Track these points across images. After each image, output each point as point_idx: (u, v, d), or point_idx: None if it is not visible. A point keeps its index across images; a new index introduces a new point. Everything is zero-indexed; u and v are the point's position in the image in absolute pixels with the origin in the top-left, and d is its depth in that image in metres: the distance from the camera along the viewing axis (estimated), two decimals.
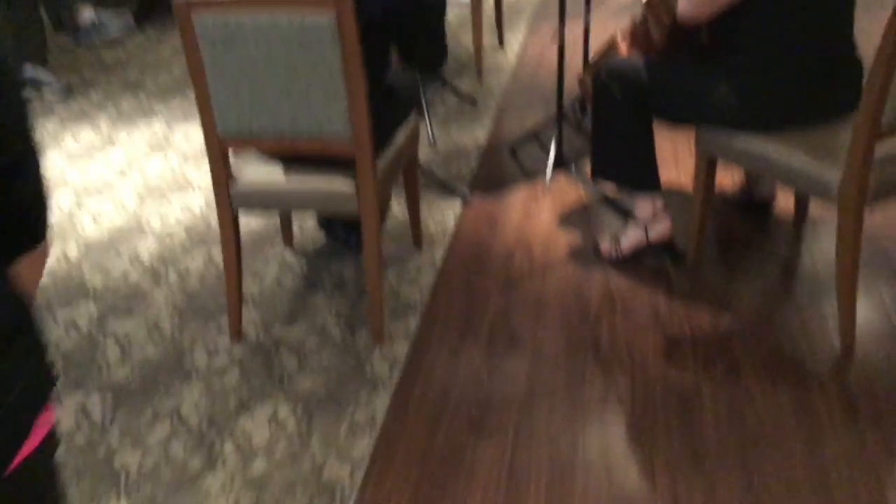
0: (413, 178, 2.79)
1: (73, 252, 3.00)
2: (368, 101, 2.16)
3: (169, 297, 2.71)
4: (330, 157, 2.26)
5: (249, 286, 2.72)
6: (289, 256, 2.90)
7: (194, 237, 3.01)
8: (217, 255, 2.88)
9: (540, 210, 3.09)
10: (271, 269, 2.83)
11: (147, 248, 2.99)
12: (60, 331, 2.57)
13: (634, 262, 2.73)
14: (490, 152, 3.57)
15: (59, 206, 3.31)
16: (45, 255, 0.98)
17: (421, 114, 3.77)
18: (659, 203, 2.67)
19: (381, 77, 2.33)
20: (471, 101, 4.07)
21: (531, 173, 3.33)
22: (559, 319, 2.50)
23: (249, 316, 2.58)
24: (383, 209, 2.97)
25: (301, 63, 2.09)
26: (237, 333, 2.48)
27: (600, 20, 3.84)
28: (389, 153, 2.44)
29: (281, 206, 2.39)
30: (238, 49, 2.10)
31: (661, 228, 2.68)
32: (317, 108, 2.15)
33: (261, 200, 2.36)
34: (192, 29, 2.09)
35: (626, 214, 2.90)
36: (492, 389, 2.24)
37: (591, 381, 2.24)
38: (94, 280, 2.83)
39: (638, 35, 2.65)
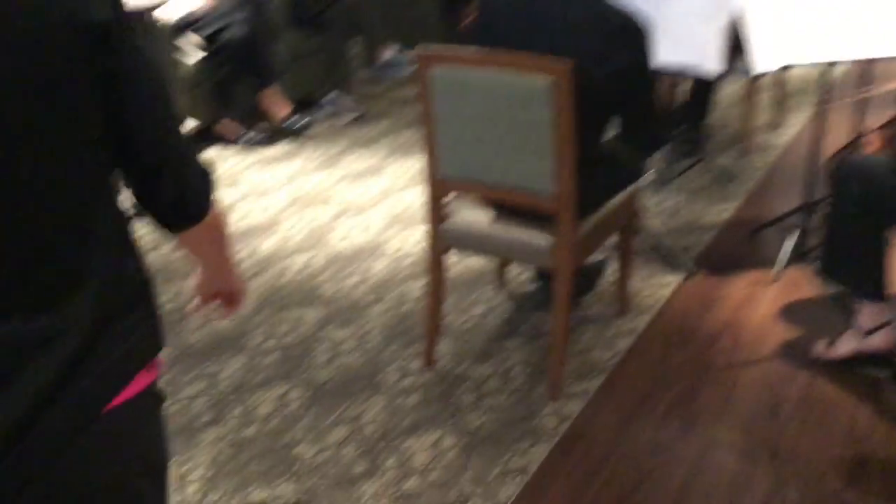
0: (627, 244, 2.81)
1: (318, 261, 3.36)
2: (580, 165, 2.25)
3: (382, 316, 2.95)
4: (536, 211, 2.37)
5: (454, 319, 2.89)
6: (498, 299, 3.03)
7: (419, 267, 3.24)
8: None
9: (762, 298, 2.97)
10: (478, 308, 2.98)
11: (378, 269, 3.28)
12: (287, 327, 2.91)
13: (848, 370, 2.54)
14: (729, 231, 3.47)
15: (318, 219, 3.72)
16: (215, 226, 1.18)
17: (661, 181, 3.76)
18: (884, 313, 2.47)
19: (596, 143, 2.40)
20: (728, 178, 3.98)
21: (765, 260, 3.20)
22: (745, 412, 2.39)
23: (446, 347, 2.75)
24: (594, 271, 3.02)
25: (518, 120, 2.23)
26: (429, 361, 2.65)
27: (871, 110, 3.60)
28: (598, 217, 2.49)
29: (484, 250, 2.53)
30: (465, 101, 2.28)
31: (881, 340, 2.48)
32: (526, 163, 2.28)
33: (467, 242, 2.52)
34: (428, 78, 2.30)
35: (849, 318, 2.70)
36: (651, 470, 2.20)
37: (758, 485, 2.13)
38: (327, 289, 3.15)
39: (894, 134, 2.49)
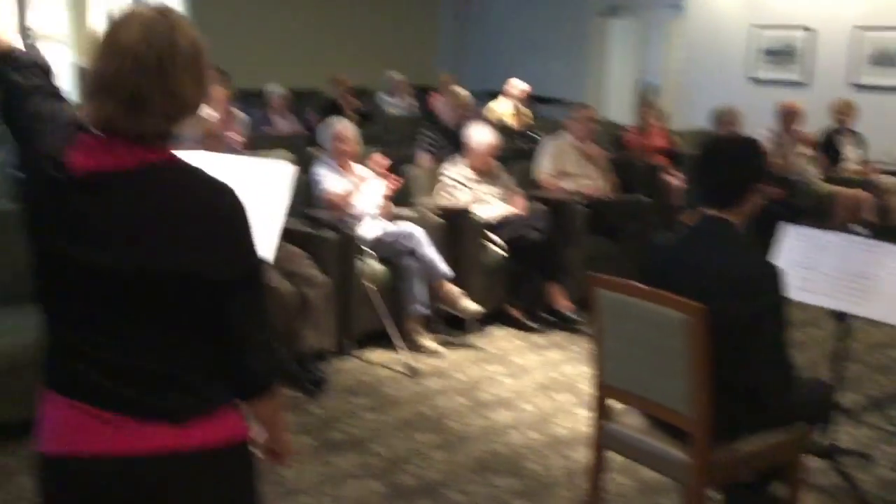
0: (794, 483, 2.88)
1: (538, 441, 3.79)
2: (721, 392, 2.51)
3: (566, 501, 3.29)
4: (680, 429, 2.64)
5: None
6: None
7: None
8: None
9: None
10: None
11: (582, 458, 3.62)
12: (483, 489, 3.37)
13: None
14: None
15: (555, 405, 4.16)
16: (272, 407, 1.75)
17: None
18: None
19: (739, 374, 2.62)
20: None
21: None
22: None
23: None
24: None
25: (662, 345, 2.58)
26: None
27: None
28: (748, 446, 2.67)
29: (632, 455, 2.82)
30: (623, 322, 2.69)
31: None
32: (669, 384, 2.59)
33: (620, 446, 2.84)
34: (597, 298, 2.75)
35: None
36: None
37: None
38: (532, 465, 3.56)
39: None
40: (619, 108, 11.21)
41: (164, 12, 1.55)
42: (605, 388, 2.83)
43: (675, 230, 3.21)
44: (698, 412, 2.53)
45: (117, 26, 1.54)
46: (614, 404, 2.87)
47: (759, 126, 7.02)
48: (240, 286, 1.60)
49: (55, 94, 1.70)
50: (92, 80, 1.54)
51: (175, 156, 1.59)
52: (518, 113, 8.67)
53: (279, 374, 1.75)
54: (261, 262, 1.70)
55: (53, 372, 1.62)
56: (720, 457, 2.62)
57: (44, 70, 1.72)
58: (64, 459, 1.59)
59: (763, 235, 3.78)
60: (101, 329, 1.57)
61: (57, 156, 1.54)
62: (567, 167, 5.89)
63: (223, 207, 1.58)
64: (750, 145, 2.74)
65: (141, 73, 1.50)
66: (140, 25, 1.52)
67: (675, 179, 6.88)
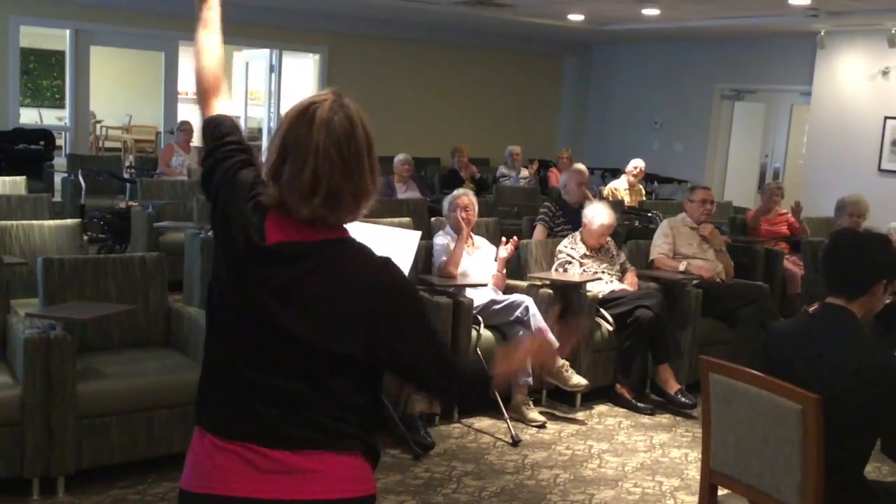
0: None
1: None
2: (834, 489, 2.46)
3: None
4: None
5: None
6: None
7: None
8: None
9: None
10: None
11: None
12: None
13: None
14: None
15: (657, 489, 4.10)
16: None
17: None
18: None
19: (855, 470, 2.56)
20: None
21: None
22: None
23: None
24: None
25: (772, 434, 2.55)
26: None
27: None
28: None
29: None
30: (735, 407, 2.67)
31: None
32: (778, 474, 2.56)
33: None
34: (709, 382, 2.75)
35: None
36: None
37: None
38: None
39: None
40: (739, 192, 11.08)
41: (343, 105, 1.73)
42: (713, 474, 2.81)
43: (794, 318, 3.17)
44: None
45: (304, 121, 1.71)
46: (721, 491, 2.84)
47: (888, 219, 6.82)
48: (413, 334, 1.80)
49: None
50: (277, 171, 1.72)
51: (348, 232, 1.79)
52: (632, 190, 8.72)
53: (469, 378, 1.90)
54: (422, 300, 1.92)
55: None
56: None
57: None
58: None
59: (888, 333, 3.68)
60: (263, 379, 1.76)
61: (257, 225, 1.74)
62: (682, 248, 5.87)
63: (389, 276, 1.78)
64: (881, 241, 2.73)
65: (332, 172, 1.69)
66: (324, 123, 1.69)
67: (795, 266, 6.73)
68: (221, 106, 1.97)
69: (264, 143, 11.73)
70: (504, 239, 5.12)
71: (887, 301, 2.67)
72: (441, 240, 5.09)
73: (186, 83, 10.43)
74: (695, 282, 5.58)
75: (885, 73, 9.19)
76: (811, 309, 3.01)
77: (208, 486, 1.74)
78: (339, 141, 1.69)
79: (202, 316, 3.93)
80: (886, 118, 9.19)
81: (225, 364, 1.78)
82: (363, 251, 1.78)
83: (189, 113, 9.92)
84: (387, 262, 1.78)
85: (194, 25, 2.03)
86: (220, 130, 1.92)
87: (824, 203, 7.64)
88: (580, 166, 7.56)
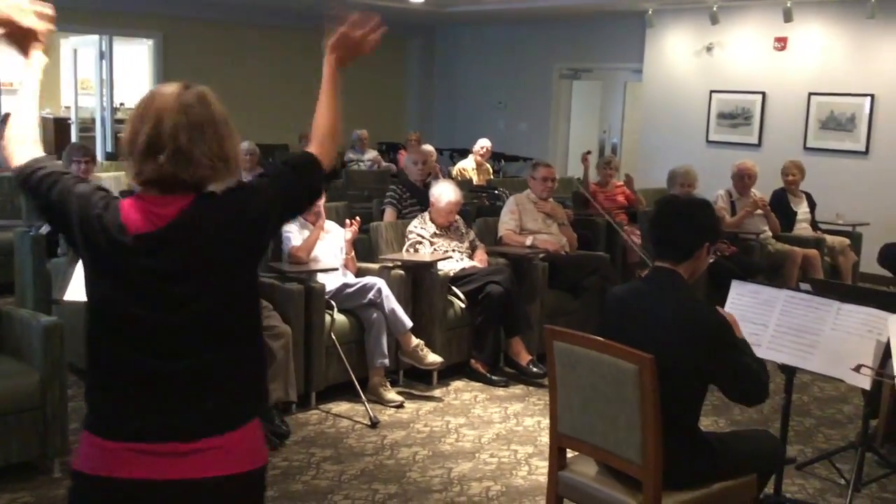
0: None
1: (495, 490, 3.85)
2: (673, 440, 2.61)
3: None
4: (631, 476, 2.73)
5: None
6: None
7: None
8: None
9: None
10: None
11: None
12: None
13: None
14: None
15: (513, 457, 4.23)
16: None
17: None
18: None
19: (690, 422, 2.73)
20: None
21: None
22: None
23: None
24: None
25: (613, 395, 2.68)
26: None
27: None
28: (697, 494, 2.76)
29: (587, 503, 2.90)
30: (576, 372, 2.79)
31: None
32: (620, 432, 2.69)
33: (576, 494, 2.91)
34: (552, 349, 2.86)
35: None
36: None
37: None
38: None
39: None
40: (580, 167, 11.48)
41: (192, 86, 1.85)
42: (560, 437, 2.92)
43: (628, 283, 3.36)
44: (648, 460, 2.62)
45: (154, 97, 1.82)
46: (571, 454, 2.96)
47: (716, 187, 7.27)
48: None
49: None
50: (132, 143, 1.79)
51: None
52: (480, 169, 8.90)
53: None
54: None
55: None
56: None
57: None
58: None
59: (716, 291, 3.93)
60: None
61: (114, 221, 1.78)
62: (528, 223, 6.04)
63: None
64: (703, 205, 2.90)
65: (178, 132, 1.77)
66: (174, 95, 1.81)
67: (634, 236, 7.06)
68: (32, 151, 1.96)
69: (98, 132, 11.17)
70: (348, 221, 5.12)
71: (710, 260, 2.85)
72: (291, 226, 5.02)
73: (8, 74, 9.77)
74: (541, 255, 5.75)
75: (709, 48, 9.74)
76: (643, 274, 3.18)
77: (108, 469, 1.74)
78: (187, 108, 1.79)
79: (35, 318, 3.74)
80: (712, 92, 9.75)
81: (121, 361, 1.80)
82: (234, 192, 1.86)
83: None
84: (256, 186, 1.94)
85: None
86: (38, 164, 1.92)
87: (659, 174, 8.04)
88: (428, 147, 7.64)
